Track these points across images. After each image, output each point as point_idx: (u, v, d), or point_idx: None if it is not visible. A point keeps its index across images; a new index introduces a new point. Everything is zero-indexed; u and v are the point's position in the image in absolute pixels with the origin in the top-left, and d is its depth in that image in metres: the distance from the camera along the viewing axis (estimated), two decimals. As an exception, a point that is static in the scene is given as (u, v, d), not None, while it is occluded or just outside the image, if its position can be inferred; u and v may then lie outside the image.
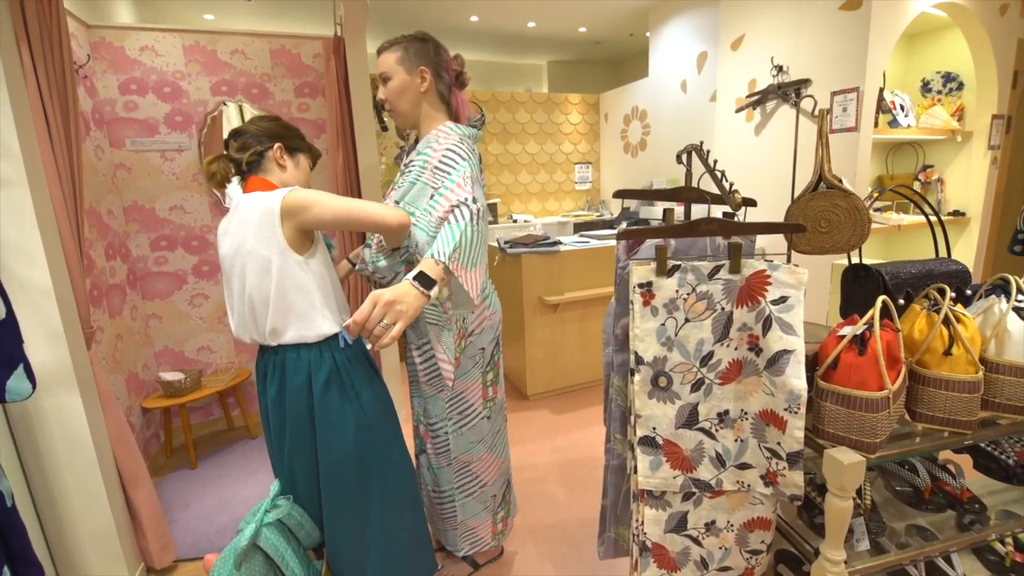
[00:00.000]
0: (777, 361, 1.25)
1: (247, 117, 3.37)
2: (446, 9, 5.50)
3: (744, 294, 1.30)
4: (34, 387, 1.49)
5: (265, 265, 1.51)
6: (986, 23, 3.46)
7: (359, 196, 3.20)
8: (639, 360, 1.35)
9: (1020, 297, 1.41)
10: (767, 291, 1.27)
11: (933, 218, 1.74)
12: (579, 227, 6.63)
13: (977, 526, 1.54)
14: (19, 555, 1.41)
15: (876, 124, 3.25)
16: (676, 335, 1.34)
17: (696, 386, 1.35)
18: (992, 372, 1.37)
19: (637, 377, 1.36)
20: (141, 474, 2.21)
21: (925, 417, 1.36)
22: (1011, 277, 1.43)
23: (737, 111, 3.99)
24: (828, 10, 3.24)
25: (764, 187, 3.77)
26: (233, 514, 2.67)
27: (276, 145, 1.67)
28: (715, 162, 1.58)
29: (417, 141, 1.91)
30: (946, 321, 1.32)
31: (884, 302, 1.29)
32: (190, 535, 2.52)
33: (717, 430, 1.37)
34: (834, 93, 3.25)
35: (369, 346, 1.29)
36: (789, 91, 3.47)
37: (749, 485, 1.38)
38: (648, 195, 1.89)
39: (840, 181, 1.66)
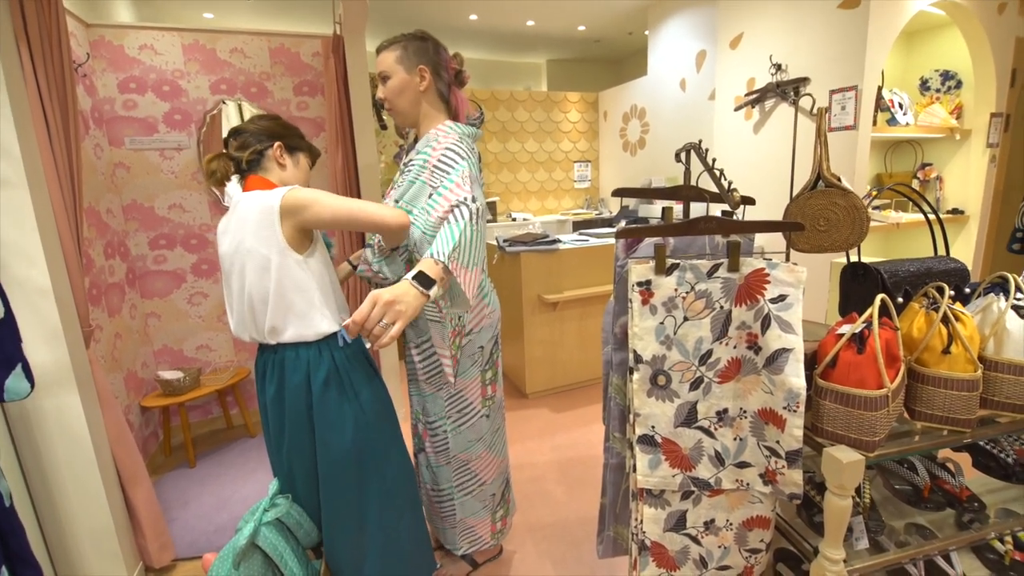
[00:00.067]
0: (776, 359, 1.26)
1: (246, 116, 3.36)
2: (445, 7, 5.50)
3: (743, 292, 1.30)
4: (33, 387, 1.50)
5: (264, 264, 1.51)
6: (984, 21, 3.46)
7: (358, 195, 3.20)
8: (638, 358, 1.35)
9: (1019, 295, 1.41)
10: (766, 289, 1.27)
11: (932, 216, 1.74)
12: (578, 225, 6.64)
13: (976, 524, 1.54)
14: (17, 555, 1.41)
15: (875, 122, 3.25)
16: (675, 333, 1.34)
17: (695, 384, 1.35)
18: (991, 370, 1.37)
19: (636, 375, 1.36)
20: (140, 473, 2.21)
21: (924, 415, 1.37)
22: (1010, 275, 1.43)
23: (736, 109, 3.99)
24: (826, 8, 3.24)
25: (763, 185, 3.77)
26: (232, 513, 2.67)
27: (276, 144, 1.67)
28: (714, 160, 1.58)
29: (416, 140, 1.90)
30: (945, 319, 1.32)
31: (883, 300, 1.29)
32: (189, 534, 2.52)
33: (716, 429, 1.37)
34: (832, 91, 3.25)
35: (368, 345, 1.29)
36: (788, 89, 3.47)
37: (748, 484, 1.38)
38: (647, 194, 1.89)
39: (839, 179, 1.66)
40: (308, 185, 1.70)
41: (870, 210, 1.67)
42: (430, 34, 1.82)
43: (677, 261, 1.31)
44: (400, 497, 1.76)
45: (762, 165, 3.81)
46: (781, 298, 1.26)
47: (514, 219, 6.78)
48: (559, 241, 3.93)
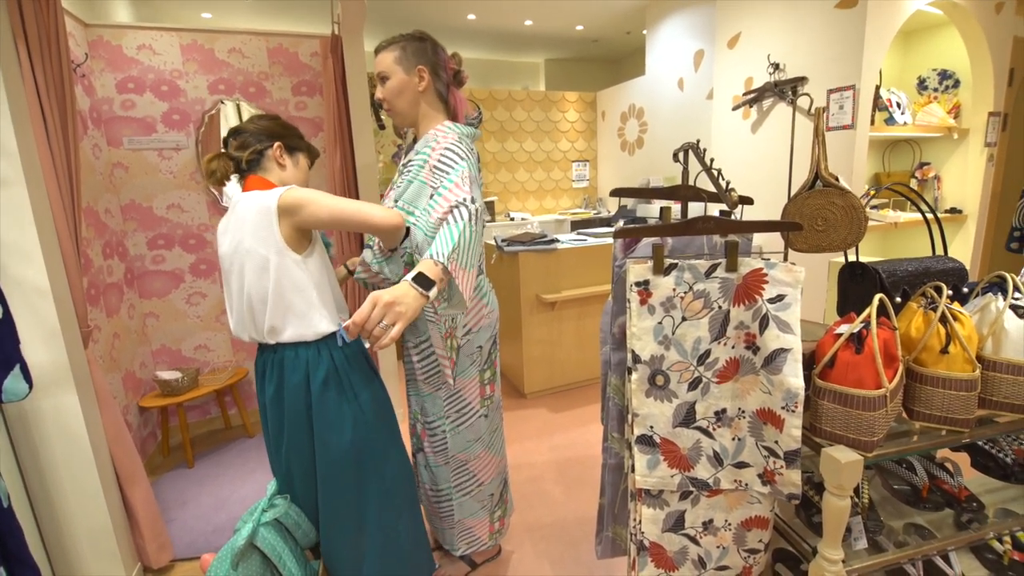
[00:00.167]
0: (774, 359, 1.26)
1: (244, 116, 3.36)
2: (443, 7, 5.49)
3: (741, 292, 1.30)
4: (31, 387, 1.50)
5: (263, 264, 1.51)
6: (982, 21, 3.46)
7: (357, 194, 3.20)
8: (636, 359, 1.35)
9: (1017, 295, 1.41)
10: (764, 289, 1.27)
11: (930, 216, 1.74)
12: (576, 225, 6.65)
13: (975, 524, 1.54)
14: (15, 556, 1.41)
15: (872, 122, 3.25)
16: (673, 333, 1.34)
17: (693, 385, 1.35)
18: (989, 370, 1.37)
19: (634, 376, 1.36)
20: (138, 473, 2.21)
21: (922, 415, 1.37)
22: (1008, 275, 1.43)
23: (734, 109, 3.99)
24: (824, 8, 3.24)
25: (761, 185, 3.77)
26: (230, 513, 2.66)
27: (276, 144, 1.67)
28: (712, 160, 1.58)
29: (415, 140, 1.90)
30: (943, 319, 1.32)
31: (881, 300, 1.29)
32: (187, 534, 2.51)
33: (714, 429, 1.37)
34: (830, 91, 3.25)
35: (368, 346, 1.29)
36: (785, 89, 3.47)
37: (747, 484, 1.39)
38: (645, 194, 1.89)
39: (836, 179, 1.66)
40: (307, 185, 1.70)
41: (868, 210, 1.67)
42: (428, 34, 1.82)
43: (675, 261, 1.31)
44: (399, 497, 1.76)
45: (760, 165, 3.81)
46: (779, 298, 1.26)
47: (512, 219, 6.78)
48: (557, 241, 3.93)
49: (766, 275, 1.27)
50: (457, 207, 1.52)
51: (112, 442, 2.11)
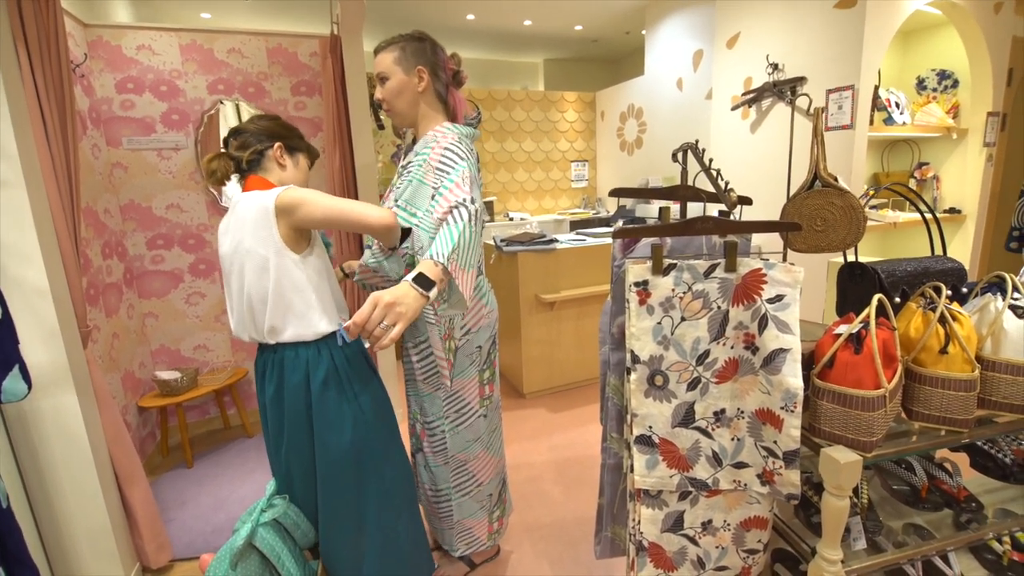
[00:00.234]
0: (773, 360, 1.26)
1: (244, 116, 3.36)
2: (442, 7, 5.49)
3: (740, 293, 1.30)
4: (30, 388, 1.50)
5: (263, 264, 1.51)
6: (981, 21, 3.47)
7: (356, 194, 3.20)
8: (635, 359, 1.35)
9: (1016, 295, 1.41)
10: (763, 289, 1.27)
11: (929, 216, 1.74)
12: (575, 225, 6.65)
13: (974, 525, 1.54)
14: (14, 556, 1.41)
15: (871, 122, 3.25)
16: (672, 334, 1.34)
17: (692, 385, 1.35)
18: (988, 370, 1.37)
19: (633, 376, 1.36)
20: (137, 473, 2.21)
21: (921, 415, 1.37)
22: (1007, 275, 1.43)
23: (733, 109, 3.99)
24: (823, 8, 3.24)
25: (760, 185, 3.77)
26: (229, 513, 2.66)
27: (276, 144, 1.67)
28: (711, 160, 1.58)
29: (414, 140, 1.90)
30: (942, 319, 1.32)
31: (880, 300, 1.29)
32: (186, 534, 2.51)
33: (713, 429, 1.37)
34: (829, 91, 3.25)
35: (367, 345, 1.29)
36: (784, 89, 3.47)
37: (746, 484, 1.39)
38: (644, 194, 1.89)
39: (835, 179, 1.66)
40: (307, 185, 1.70)
41: (867, 210, 1.67)
42: (428, 34, 1.82)
43: (674, 261, 1.32)
44: (399, 497, 1.76)
45: (759, 165, 3.81)
46: (778, 298, 1.26)
47: (511, 219, 6.78)
48: (556, 241, 3.93)
49: (765, 275, 1.27)
50: (457, 207, 1.52)
51: (111, 442, 2.11)
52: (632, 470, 1.42)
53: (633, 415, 1.38)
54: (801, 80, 3.39)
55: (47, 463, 1.91)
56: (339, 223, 1.53)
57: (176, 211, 3.32)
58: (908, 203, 2.18)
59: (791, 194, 1.74)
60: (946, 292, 1.36)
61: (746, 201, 1.66)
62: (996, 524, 1.56)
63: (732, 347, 1.33)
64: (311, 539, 1.74)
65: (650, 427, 1.38)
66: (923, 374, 1.34)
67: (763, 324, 1.27)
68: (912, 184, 3.84)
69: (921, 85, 3.87)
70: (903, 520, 1.58)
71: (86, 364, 2.01)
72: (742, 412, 1.35)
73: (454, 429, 1.94)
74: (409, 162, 1.81)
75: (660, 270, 1.31)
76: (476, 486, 2.03)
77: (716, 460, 1.39)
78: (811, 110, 3.30)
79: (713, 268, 1.31)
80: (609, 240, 4.02)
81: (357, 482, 1.65)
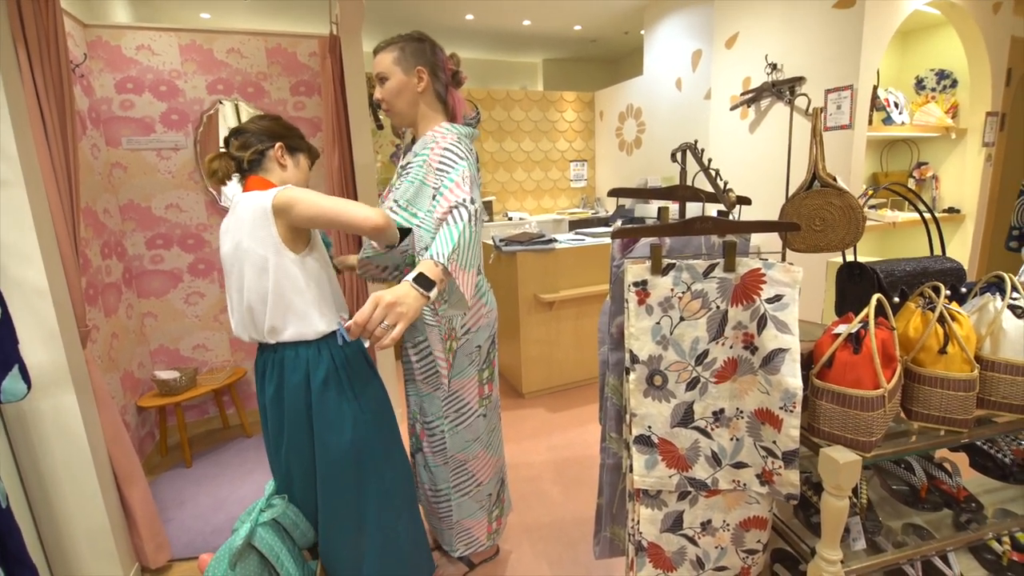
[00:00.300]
0: (772, 359, 1.26)
1: (243, 116, 3.36)
2: (441, 7, 5.49)
3: (739, 292, 1.30)
4: (29, 388, 1.49)
5: (262, 264, 1.51)
6: (979, 21, 3.47)
7: (355, 194, 3.19)
8: (634, 359, 1.35)
9: (1015, 295, 1.41)
10: (762, 289, 1.27)
11: (928, 215, 1.74)
12: (574, 225, 6.65)
13: (974, 525, 1.54)
14: (14, 556, 1.41)
15: (870, 122, 3.25)
16: (671, 334, 1.34)
17: (691, 385, 1.36)
18: (987, 370, 1.37)
19: (632, 376, 1.36)
20: (136, 473, 2.21)
21: (921, 415, 1.37)
22: (1006, 275, 1.43)
23: (731, 109, 3.99)
24: (822, 8, 3.24)
25: (758, 185, 3.77)
26: (228, 513, 2.66)
27: (277, 144, 1.67)
28: (709, 160, 1.58)
29: (414, 140, 1.90)
30: (941, 319, 1.32)
31: (879, 300, 1.29)
32: (185, 534, 2.51)
33: (713, 429, 1.37)
34: (828, 91, 3.25)
35: (367, 344, 1.29)
36: (783, 89, 3.47)
37: (745, 484, 1.39)
38: (643, 194, 1.89)
39: (834, 179, 1.66)
40: (307, 185, 1.69)
41: (866, 209, 1.67)
42: (427, 35, 1.82)
43: (673, 261, 1.32)
44: (398, 497, 1.76)
45: (758, 165, 3.81)
46: (777, 298, 1.26)
47: (510, 218, 6.78)
48: (555, 240, 3.93)
49: (764, 275, 1.27)
50: (456, 207, 1.52)
51: (110, 442, 2.11)
52: (631, 470, 1.42)
53: (632, 415, 1.38)
54: (800, 80, 3.39)
55: (46, 463, 1.91)
56: (331, 223, 1.50)
57: (175, 211, 3.32)
58: (907, 203, 2.19)
59: (790, 194, 1.74)
60: (945, 292, 1.36)
61: (745, 201, 1.66)
62: (996, 524, 1.56)
63: (731, 347, 1.33)
64: (310, 539, 1.74)
65: (649, 427, 1.38)
66: (922, 374, 1.34)
67: (762, 324, 1.27)
68: (911, 184, 3.85)
69: (920, 85, 3.87)
70: (902, 520, 1.58)
71: (85, 364, 2.01)
72: (741, 412, 1.35)
73: (453, 429, 1.94)
74: (408, 162, 1.81)
75: (659, 270, 1.32)
76: (475, 486, 2.03)
77: (715, 460, 1.39)
78: (810, 110, 3.31)
79: (712, 268, 1.31)
80: (608, 240, 4.01)
81: (357, 482, 1.65)
